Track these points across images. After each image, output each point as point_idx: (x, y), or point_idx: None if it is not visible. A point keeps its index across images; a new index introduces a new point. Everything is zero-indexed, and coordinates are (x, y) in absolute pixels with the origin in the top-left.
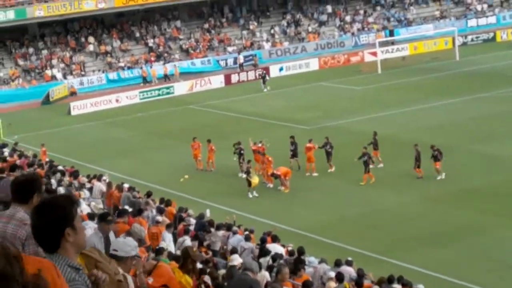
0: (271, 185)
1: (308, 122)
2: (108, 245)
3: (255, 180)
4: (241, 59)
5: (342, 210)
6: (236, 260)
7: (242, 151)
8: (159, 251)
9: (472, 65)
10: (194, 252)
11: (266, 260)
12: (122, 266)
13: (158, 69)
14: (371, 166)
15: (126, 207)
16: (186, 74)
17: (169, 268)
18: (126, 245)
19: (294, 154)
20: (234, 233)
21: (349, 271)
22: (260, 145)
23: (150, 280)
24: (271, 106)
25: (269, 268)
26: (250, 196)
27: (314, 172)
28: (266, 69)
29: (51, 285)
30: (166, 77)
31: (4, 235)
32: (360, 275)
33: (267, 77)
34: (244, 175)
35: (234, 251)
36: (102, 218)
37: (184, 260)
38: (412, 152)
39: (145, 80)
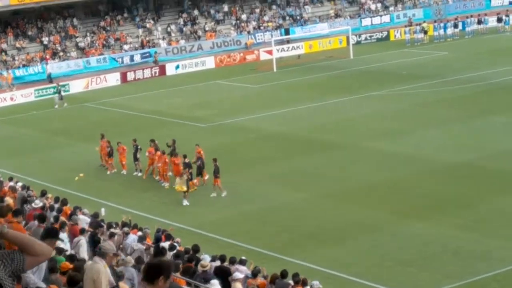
0: (166, 184)
1: (205, 120)
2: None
3: (178, 187)
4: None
5: (238, 207)
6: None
7: (138, 148)
8: (58, 251)
9: (366, 64)
10: None
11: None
12: None
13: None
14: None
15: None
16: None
17: None
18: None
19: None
20: (127, 233)
21: (243, 270)
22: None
23: None
24: (168, 104)
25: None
26: (184, 204)
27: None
28: (162, 67)
29: None
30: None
31: None
32: (255, 273)
33: (62, 93)
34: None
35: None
36: (52, 235)
37: None
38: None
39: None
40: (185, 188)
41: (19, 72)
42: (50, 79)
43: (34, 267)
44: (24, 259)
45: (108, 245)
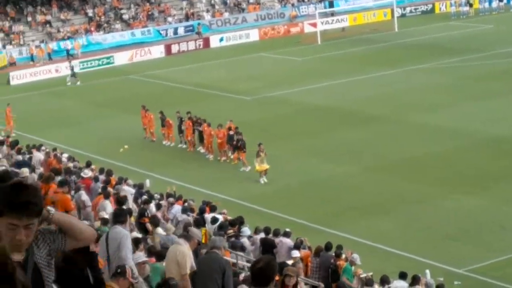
0: (211, 156)
1: (249, 93)
2: None
3: (258, 167)
4: (68, 45)
5: (281, 180)
6: None
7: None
8: (104, 222)
9: (410, 37)
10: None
11: (212, 228)
12: None
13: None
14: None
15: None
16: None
17: None
18: None
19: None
20: (172, 203)
21: (288, 242)
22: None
23: None
24: (212, 76)
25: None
26: (262, 182)
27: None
28: (206, 40)
29: None
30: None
31: None
32: (298, 246)
33: (75, 70)
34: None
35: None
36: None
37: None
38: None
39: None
40: (266, 166)
41: (64, 44)
42: (68, 55)
43: (75, 247)
44: (66, 241)
45: (197, 230)
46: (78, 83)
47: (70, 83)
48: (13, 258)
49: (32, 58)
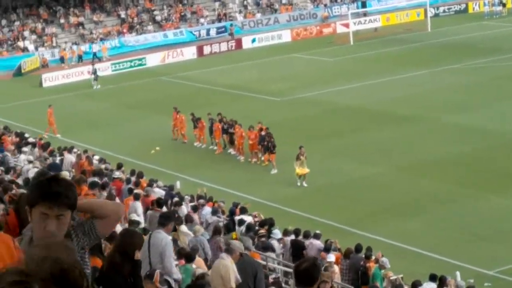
0: (242, 158)
1: (280, 94)
2: None
3: (298, 170)
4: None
5: (311, 181)
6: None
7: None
8: (132, 223)
9: (444, 37)
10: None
11: (239, 230)
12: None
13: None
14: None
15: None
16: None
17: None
18: None
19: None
20: (202, 205)
21: (317, 244)
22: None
23: None
24: (244, 77)
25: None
26: (298, 184)
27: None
28: (238, 41)
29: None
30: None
31: None
32: (328, 248)
33: (98, 73)
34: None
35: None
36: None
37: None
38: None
39: (95, 56)
40: (307, 170)
41: (96, 47)
42: (97, 58)
43: (109, 231)
44: (94, 225)
45: (238, 243)
46: (99, 86)
47: (99, 86)
48: None
49: (62, 60)
